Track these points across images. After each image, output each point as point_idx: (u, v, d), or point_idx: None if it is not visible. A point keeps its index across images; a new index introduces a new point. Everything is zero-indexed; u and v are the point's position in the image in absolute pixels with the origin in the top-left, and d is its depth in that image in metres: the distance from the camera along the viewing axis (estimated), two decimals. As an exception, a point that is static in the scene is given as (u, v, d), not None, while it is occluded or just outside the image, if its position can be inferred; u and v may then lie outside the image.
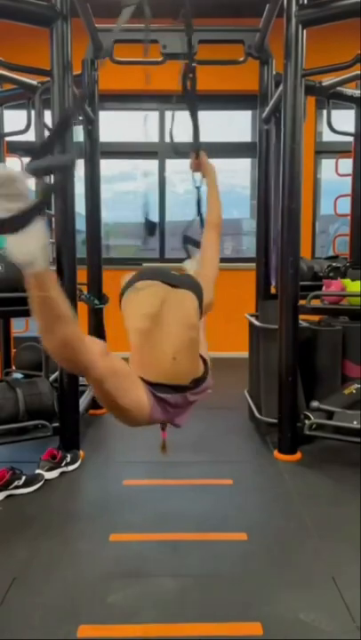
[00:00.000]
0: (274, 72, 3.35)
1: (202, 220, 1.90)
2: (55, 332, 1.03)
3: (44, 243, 0.93)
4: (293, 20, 2.54)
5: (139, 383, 1.31)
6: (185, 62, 1.82)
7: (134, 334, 1.40)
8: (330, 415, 2.76)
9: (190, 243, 1.98)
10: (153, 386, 1.33)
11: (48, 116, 2.74)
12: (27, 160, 0.96)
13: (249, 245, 5.59)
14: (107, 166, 4.17)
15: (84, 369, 1.13)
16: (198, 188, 1.94)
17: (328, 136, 4.58)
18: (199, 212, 1.94)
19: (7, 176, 0.88)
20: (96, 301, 3.37)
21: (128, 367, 1.30)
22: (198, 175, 1.93)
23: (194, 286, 1.49)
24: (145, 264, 5.26)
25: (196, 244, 1.91)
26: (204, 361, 1.47)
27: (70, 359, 1.11)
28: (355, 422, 2.64)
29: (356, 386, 2.93)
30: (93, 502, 2.34)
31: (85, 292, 3.21)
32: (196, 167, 1.92)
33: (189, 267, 1.97)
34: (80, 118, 3.24)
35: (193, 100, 1.87)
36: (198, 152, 1.91)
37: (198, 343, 1.41)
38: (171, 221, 5.49)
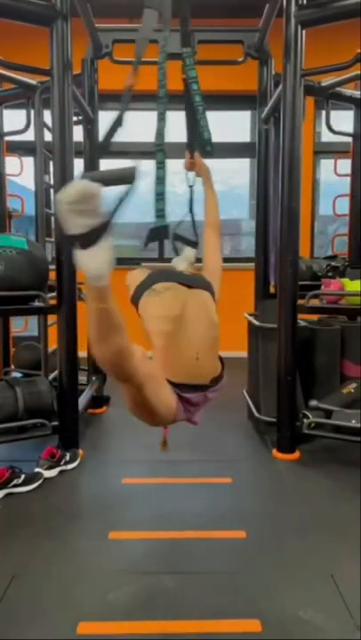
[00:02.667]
0: (273, 72, 3.36)
1: (193, 219, 1.92)
2: (110, 341, 1.04)
3: (111, 257, 0.96)
4: (293, 21, 2.55)
5: (166, 384, 1.32)
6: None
7: (158, 336, 1.40)
8: (328, 414, 2.77)
9: (181, 240, 1.97)
10: (178, 386, 1.34)
11: (48, 116, 2.74)
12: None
13: (248, 245, 5.60)
14: (105, 166, 4.17)
15: (131, 375, 1.14)
16: (191, 187, 1.95)
17: (327, 136, 4.59)
18: (191, 211, 1.95)
19: (85, 192, 0.88)
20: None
21: (156, 369, 1.31)
22: (192, 174, 1.94)
23: (207, 285, 1.53)
24: (143, 264, 5.27)
25: (188, 242, 1.92)
26: (221, 359, 1.47)
27: (120, 366, 1.11)
28: (353, 421, 2.65)
29: (355, 385, 2.94)
30: (92, 501, 2.34)
31: (84, 291, 3.22)
32: (190, 167, 1.92)
33: (179, 264, 1.98)
34: (80, 118, 3.24)
35: (188, 98, 1.87)
36: (192, 151, 1.90)
37: (219, 342, 1.42)
38: (170, 221, 5.48)
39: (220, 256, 1.73)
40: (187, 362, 1.35)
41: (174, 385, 1.34)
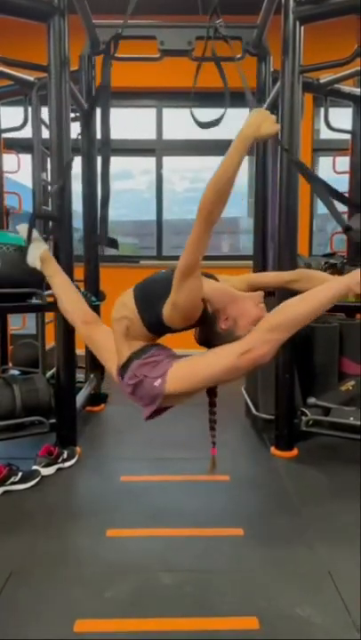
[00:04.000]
0: (271, 69, 3.35)
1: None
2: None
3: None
4: (291, 17, 2.54)
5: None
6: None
7: None
8: (327, 411, 2.77)
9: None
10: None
11: (45, 113, 2.73)
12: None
13: (246, 244, 5.59)
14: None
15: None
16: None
17: (326, 134, 4.58)
18: None
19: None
20: (93, 298, 3.36)
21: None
22: None
23: (144, 284, 1.65)
24: (141, 262, 5.27)
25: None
26: (130, 357, 1.61)
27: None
28: (351, 419, 2.65)
29: (353, 382, 2.94)
30: (90, 498, 2.34)
31: (82, 289, 3.21)
32: None
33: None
34: (77, 115, 3.23)
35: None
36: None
37: (115, 334, 1.65)
38: (168, 220, 5.48)
39: (186, 251, 1.35)
40: None
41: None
